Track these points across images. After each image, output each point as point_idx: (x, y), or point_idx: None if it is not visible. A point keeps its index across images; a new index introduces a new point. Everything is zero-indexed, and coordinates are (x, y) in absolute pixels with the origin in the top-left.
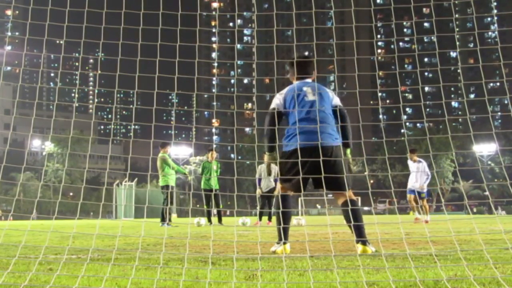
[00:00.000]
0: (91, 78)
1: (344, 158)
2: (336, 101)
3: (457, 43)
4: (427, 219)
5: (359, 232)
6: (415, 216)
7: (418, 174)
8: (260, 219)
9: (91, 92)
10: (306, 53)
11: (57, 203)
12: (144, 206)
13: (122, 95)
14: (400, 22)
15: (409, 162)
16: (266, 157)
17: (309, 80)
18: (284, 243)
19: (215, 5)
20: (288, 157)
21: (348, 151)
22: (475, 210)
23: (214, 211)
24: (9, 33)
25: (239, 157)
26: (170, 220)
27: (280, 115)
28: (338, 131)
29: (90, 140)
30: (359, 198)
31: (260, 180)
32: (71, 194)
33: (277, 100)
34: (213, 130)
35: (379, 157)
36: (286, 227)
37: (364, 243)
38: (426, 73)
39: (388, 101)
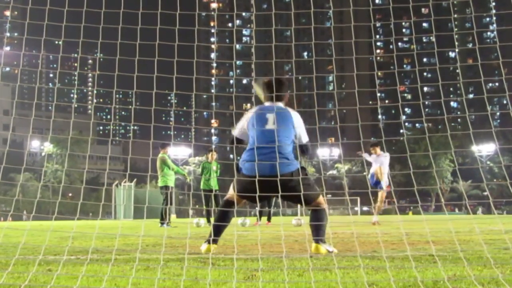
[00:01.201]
0: (90, 79)
1: (303, 177)
2: (302, 134)
3: (456, 43)
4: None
5: (316, 231)
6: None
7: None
8: (260, 219)
9: (90, 93)
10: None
11: (56, 203)
12: (143, 206)
13: (121, 96)
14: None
15: (373, 156)
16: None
17: (279, 103)
18: (210, 242)
19: (214, 5)
20: (245, 179)
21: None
22: (479, 210)
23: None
24: (8, 34)
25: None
26: (169, 220)
27: (238, 141)
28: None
29: (90, 141)
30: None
31: None
32: (70, 194)
33: (240, 127)
34: (212, 130)
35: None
36: (221, 227)
37: (317, 241)
38: (425, 73)
39: (387, 101)
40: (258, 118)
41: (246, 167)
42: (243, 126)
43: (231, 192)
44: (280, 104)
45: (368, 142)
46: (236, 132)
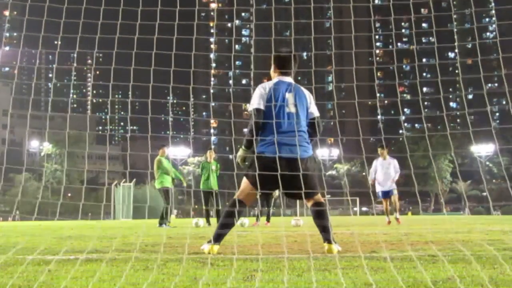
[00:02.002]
0: (89, 79)
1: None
2: (314, 111)
3: (456, 43)
4: (393, 219)
5: (325, 232)
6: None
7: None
8: (258, 219)
9: (89, 93)
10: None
11: (58, 204)
12: (142, 206)
13: (120, 96)
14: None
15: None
16: (241, 152)
17: (288, 78)
18: (214, 244)
19: (213, 5)
20: (264, 161)
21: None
22: (495, 210)
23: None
24: (7, 34)
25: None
26: (169, 220)
27: (264, 115)
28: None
29: (88, 140)
30: (358, 199)
31: None
32: (69, 195)
33: (260, 97)
34: (211, 130)
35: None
36: (227, 229)
37: (329, 242)
38: (424, 73)
39: (386, 101)
40: (275, 95)
41: (270, 150)
42: (263, 97)
43: (244, 189)
44: (290, 80)
45: (367, 143)
46: (257, 103)
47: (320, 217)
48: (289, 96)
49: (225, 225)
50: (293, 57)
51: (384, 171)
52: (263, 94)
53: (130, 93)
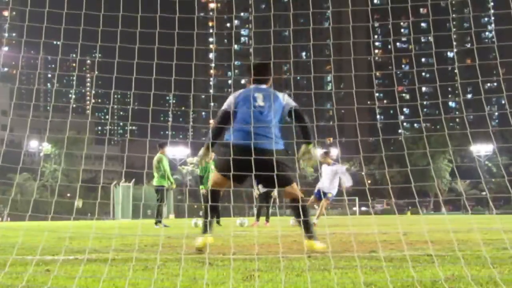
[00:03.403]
0: (88, 79)
1: (285, 158)
2: (290, 103)
3: (454, 43)
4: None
5: (307, 228)
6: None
7: (330, 178)
8: (258, 219)
9: (88, 93)
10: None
11: (55, 204)
12: (142, 206)
13: (119, 96)
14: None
15: (324, 166)
16: (203, 150)
17: (264, 86)
18: (205, 235)
19: (212, 5)
20: (230, 148)
21: (310, 146)
22: (498, 210)
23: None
24: (6, 35)
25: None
26: (160, 221)
27: (229, 116)
28: (281, 136)
29: (86, 140)
30: (357, 198)
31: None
32: (68, 194)
33: (229, 102)
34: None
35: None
36: (211, 221)
37: (310, 238)
38: (423, 73)
39: (385, 101)
40: (246, 98)
41: (236, 136)
42: (230, 102)
43: (214, 178)
44: (266, 86)
45: (366, 143)
46: (225, 106)
47: (298, 214)
48: (258, 95)
49: (208, 213)
50: (267, 67)
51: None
52: (234, 98)
53: (129, 93)
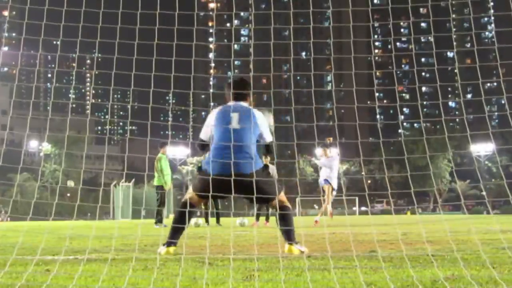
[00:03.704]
0: (88, 79)
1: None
2: (266, 135)
3: (454, 43)
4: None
5: (287, 235)
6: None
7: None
8: (258, 219)
9: (88, 93)
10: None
11: (55, 204)
12: (141, 206)
13: (119, 96)
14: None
15: (322, 159)
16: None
17: (243, 103)
18: (169, 246)
19: (212, 5)
20: (206, 178)
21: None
22: (498, 210)
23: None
24: (6, 34)
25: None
26: (160, 222)
27: (206, 146)
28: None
29: (86, 140)
30: (357, 198)
31: None
32: (68, 195)
33: (205, 127)
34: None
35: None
36: (180, 229)
37: (291, 243)
38: (423, 73)
39: (385, 101)
40: (222, 118)
41: (212, 166)
42: (207, 126)
43: (191, 193)
44: (244, 104)
45: (366, 143)
46: (202, 135)
47: (281, 222)
48: (234, 115)
49: (177, 228)
50: (246, 83)
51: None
52: (211, 121)
53: (129, 92)
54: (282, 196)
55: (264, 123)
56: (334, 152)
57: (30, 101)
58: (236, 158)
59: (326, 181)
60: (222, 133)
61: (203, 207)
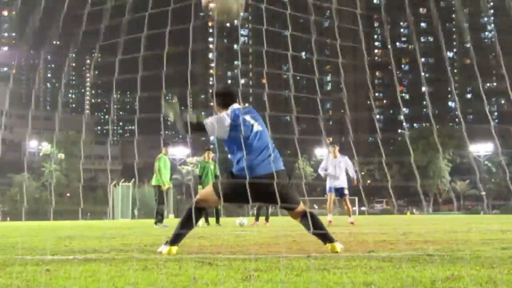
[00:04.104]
0: (88, 79)
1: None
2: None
3: (454, 43)
4: (351, 220)
5: (326, 237)
6: (349, 220)
7: (338, 171)
8: (257, 219)
9: (87, 93)
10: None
11: (54, 204)
12: (141, 206)
13: (119, 96)
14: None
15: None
16: (181, 117)
17: (237, 105)
18: (172, 245)
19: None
20: (240, 182)
21: None
22: (497, 210)
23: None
24: (6, 34)
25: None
26: (161, 221)
27: (199, 130)
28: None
29: (83, 139)
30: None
31: None
32: (68, 195)
33: (220, 126)
34: None
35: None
36: (184, 232)
37: (331, 241)
38: (423, 73)
39: (385, 101)
40: (239, 120)
41: (249, 169)
42: (223, 125)
43: (208, 195)
44: (240, 106)
45: (366, 142)
46: (209, 127)
47: (313, 226)
48: (248, 118)
49: (185, 226)
50: (233, 92)
51: (335, 169)
52: (226, 124)
53: (128, 93)
54: (302, 205)
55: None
56: (339, 155)
57: (30, 102)
58: (269, 157)
59: (330, 189)
60: (247, 137)
61: None
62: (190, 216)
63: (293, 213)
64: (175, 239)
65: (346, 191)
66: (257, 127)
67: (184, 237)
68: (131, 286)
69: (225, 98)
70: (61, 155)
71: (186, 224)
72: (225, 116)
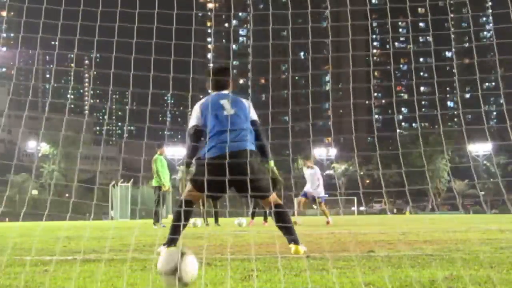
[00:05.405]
0: (86, 79)
1: (262, 165)
2: (253, 114)
3: (453, 42)
4: (329, 220)
5: (290, 234)
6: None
7: (312, 181)
8: (253, 218)
9: (86, 93)
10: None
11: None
12: (140, 206)
13: (117, 96)
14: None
15: (304, 169)
16: (183, 170)
17: (225, 91)
18: (169, 246)
19: (210, 5)
20: (208, 163)
21: (272, 163)
22: (493, 209)
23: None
24: (4, 34)
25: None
26: (159, 221)
27: (201, 132)
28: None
29: (84, 140)
30: (355, 198)
31: None
32: (67, 195)
33: (196, 116)
34: None
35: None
36: (179, 229)
37: (296, 243)
38: (421, 73)
39: (383, 101)
40: (213, 106)
41: (213, 150)
42: (198, 115)
43: (189, 190)
44: (226, 92)
45: (364, 142)
46: (193, 122)
47: (281, 220)
48: (224, 102)
49: (177, 227)
50: (226, 71)
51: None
52: (199, 109)
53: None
54: (275, 196)
55: (252, 108)
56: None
57: (27, 99)
58: (234, 140)
59: (304, 194)
60: (217, 120)
61: (201, 207)
62: (180, 216)
63: (264, 202)
64: (171, 241)
65: (318, 200)
66: (229, 111)
67: (179, 237)
68: (129, 286)
69: (217, 82)
70: (35, 191)
71: (178, 225)
72: (197, 107)
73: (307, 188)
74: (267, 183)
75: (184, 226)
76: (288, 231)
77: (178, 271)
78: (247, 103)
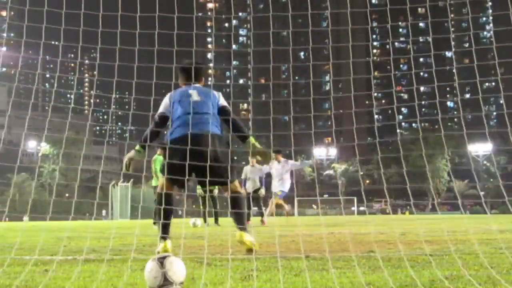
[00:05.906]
0: (87, 80)
1: (226, 149)
2: (223, 102)
3: (452, 43)
4: (264, 220)
5: (239, 220)
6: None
7: (279, 175)
8: (248, 219)
9: (86, 93)
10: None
11: (52, 204)
12: (140, 206)
13: (117, 97)
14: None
15: (272, 162)
16: (132, 152)
17: (197, 85)
18: (165, 239)
19: (210, 5)
20: (170, 147)
21: (252, 138)
22: (493, 209)
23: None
24: (5, 35)
25: (234, 157)
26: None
27: (166, 119)
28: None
29: (85, 141)
30: (355, 198)
31: (245, 181)
32: (66, 195)
33: (164, 105)
34: None
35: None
36: (167, 223)
37: (242, 230)
38: (421, 73)
39: (383, 101)
40: (181, 95)
41: (177, 130)
42: (167, 103)
43: (162, 181)
44: (199, 85)
45: (364, 142)
46: (161, 109)
47: (234, 205)
48: (192, 92)
49: (164, 218)
50: (197, 68)
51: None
52: (169, 99)
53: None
54: (237, 183)
55: (222, 97)
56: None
57: (30, 101)
58: (199, 124)
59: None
60: (182, 106)
61: (201, 207)
62: (164, 212)
63: (224, 188)
64: (163, 233)
65: (279, 192)
66: (195, 98)
67: (170, 227)
68: (129, 286)
69: (185, 76)
70: (26, 218)
71: (164, 215)
72: (166, 97)
73: (273, 185)
74: (231, 170)
75: (169, 214)
76: (238, 218)
77: (165, 279)
78: (217, 93)
